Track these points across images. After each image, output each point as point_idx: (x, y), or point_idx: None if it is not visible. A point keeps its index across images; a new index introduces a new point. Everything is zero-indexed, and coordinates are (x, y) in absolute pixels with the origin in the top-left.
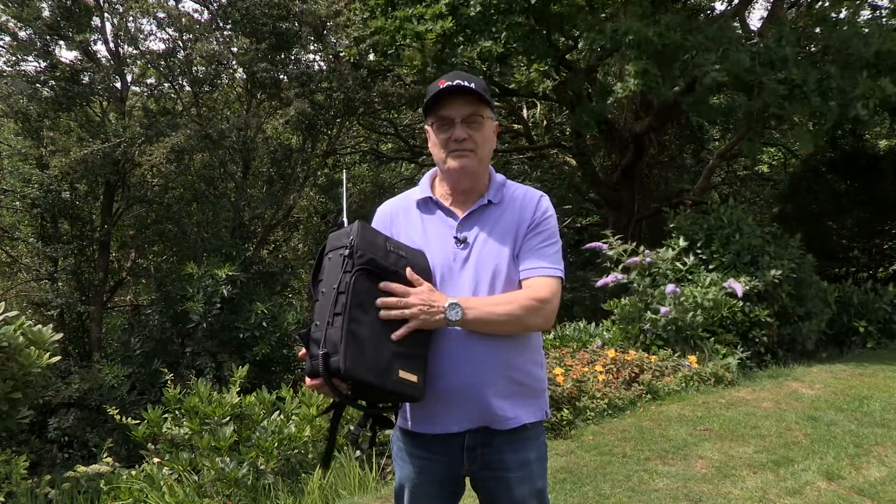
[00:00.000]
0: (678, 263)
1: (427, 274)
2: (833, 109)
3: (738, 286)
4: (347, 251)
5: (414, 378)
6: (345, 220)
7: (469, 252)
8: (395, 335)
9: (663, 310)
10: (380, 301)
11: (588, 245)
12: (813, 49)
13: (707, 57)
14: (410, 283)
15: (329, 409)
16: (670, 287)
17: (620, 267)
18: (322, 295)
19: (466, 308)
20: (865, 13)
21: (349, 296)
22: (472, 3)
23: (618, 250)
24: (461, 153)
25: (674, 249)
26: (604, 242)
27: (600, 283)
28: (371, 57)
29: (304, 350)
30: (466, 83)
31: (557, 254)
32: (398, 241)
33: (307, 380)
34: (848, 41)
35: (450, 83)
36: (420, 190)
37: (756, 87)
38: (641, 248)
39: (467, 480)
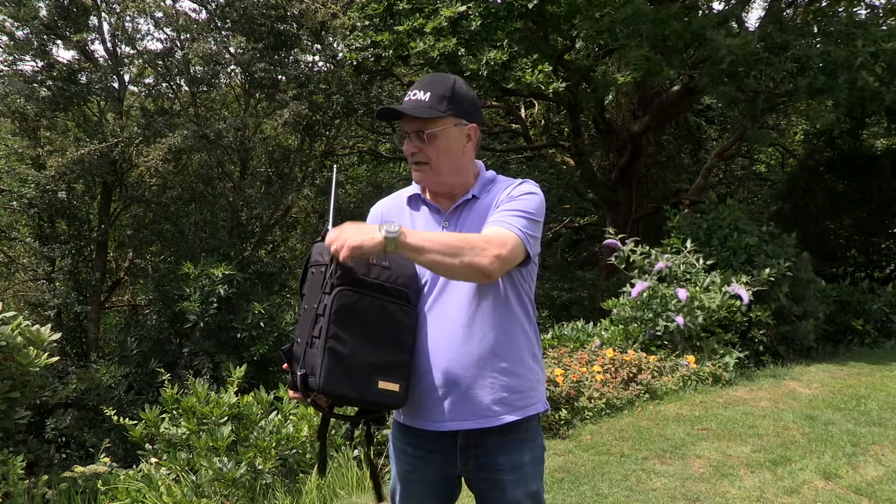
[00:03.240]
0: (687, 266)
1: (415, 280)
2: (842, 85)
3: (743, 292)
4: (326, 270)
5: (395, 387)
6: (329, 228)
7: None
8: (341, 256)
9: (679, 320)
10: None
11: (606, 243)
12: (812, 42)
13: (718, 31)
14: (398, 296)
15: (324, 424)
16: (682, 293)
17: (630, 266)
18: (304, 311)
19: (410, 231)
20: (863, 12)
21: (328, 318)
22: (472, 16)
23: (630, 248)
24: (415, 166)
25: (679, 251)
26: (612, 240)
27: (634, 293)
28: (371, 60)
29: (286, 364)
30: (417, 95)
31: (522, 219)
32: None
33: (290, 391)
34: (847, 28)
35: (410, 95)
36: (412, 187)
37: (762, 66)
38: (652, 250)
39: (464, 481)
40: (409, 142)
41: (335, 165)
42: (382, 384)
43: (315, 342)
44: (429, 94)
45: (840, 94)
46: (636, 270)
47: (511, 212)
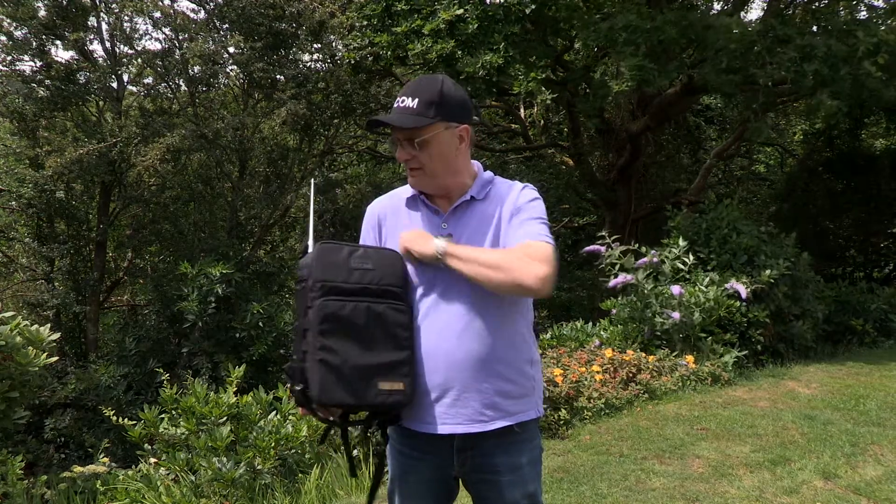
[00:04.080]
0: (679, 263)
1: (403, 279)
2: (844, 77)
3: (741, 288)
4: (303, 285)
5: (399, 385)
6: (310, 244)
7: None
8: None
9: (675, 315)
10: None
11: (587, 249)
12: (813, 38)
13: (722, 20)
14: (384, 295)
15: (327, 431)
16: (676, 288)
17: (620, 267)
18: (295, 327)
19: (460, 245)
20: (862, 12)
21: (313, 331)
22: (469, 19)
23: (615, 253)
24: (410, 171)
25: (674, 249)
26: (601, 244)
27: (612, 283)
28: (370, 60)
29: (290, 381)
30: (405, 102)
31: (543, 228)
32: (367, 250)
33: (300, 409)
34: (847, 26)
35: (398, 102)
36: (409, 188)
37: (766, 55)
38: (643, 248)
39: (462, 482)
40: (402, 149)
41: (312, 180)
42: (384, 384)
43: (306, 356)
44: (416, 100)
45: (843, 85)
46: (624, 269)
47: (533, 220)
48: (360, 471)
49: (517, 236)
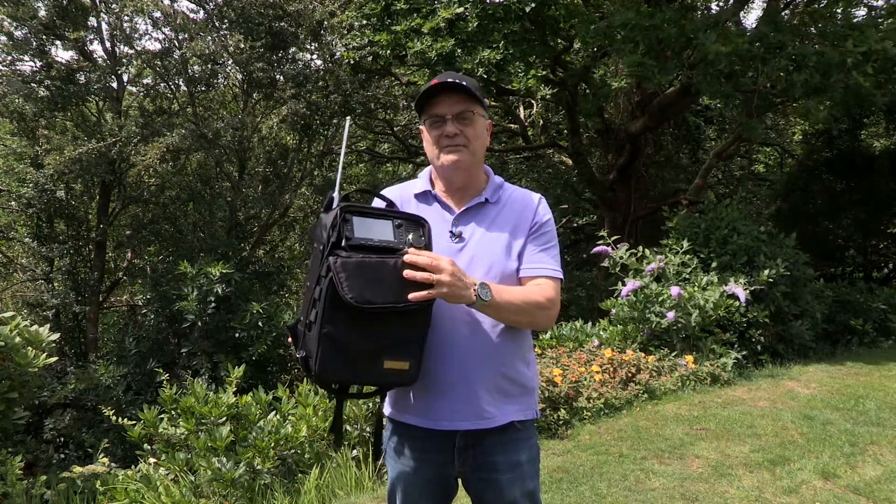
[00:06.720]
0: (680, 266)
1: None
2: (835, 84)
3: (740, 291)
4: (324, 249)
5: (404, 365)
6: (335, 196)
7: (463, 247)
8: (414, 296)
9: (670, 315)
10: (407, 273)
11: (594, 250)
12: (809, 42)
13: (708, 35)
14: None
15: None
16: (675, 290)
17: (626, 269)
18: (306, 288)
19: (494, 289)
20: (861, 12)
21: (323, 304)
22: (469, 17)
23: (621, 252)
24: (453, 148)
25: (676, 252)
26: (605, 245)
27: (624, 293)
28: (369, 59)
29: (291, 339)
30: (457, 80)
31: (557, 256)
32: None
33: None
34: (843, 30)
35: (440, 80)
36: (420, 183)
37: (759, 63)
38: (645, 250)
39: (461, 482)
40: (451, 123)
41: (347, 119)
42: (389, 363)
43: (312, 327)
44: (465, 81)
45: (834, 93)
46: (630, 272)
47: (549, 248)
48: (360, 471)
49: (534, 262)
